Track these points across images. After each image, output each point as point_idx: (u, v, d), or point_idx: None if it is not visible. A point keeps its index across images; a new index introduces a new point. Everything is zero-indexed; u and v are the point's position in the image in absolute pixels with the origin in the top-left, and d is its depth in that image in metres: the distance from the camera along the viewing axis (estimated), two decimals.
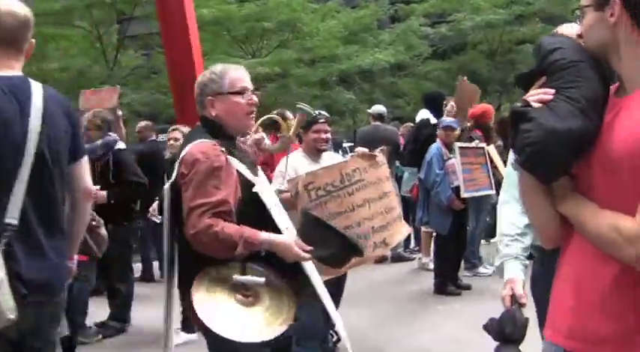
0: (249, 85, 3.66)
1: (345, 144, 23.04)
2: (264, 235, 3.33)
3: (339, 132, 23.94)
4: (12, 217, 3.10)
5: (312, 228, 3.42)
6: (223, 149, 3.46)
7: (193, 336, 6.66)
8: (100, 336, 7.61)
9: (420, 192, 9.46)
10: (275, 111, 7.83)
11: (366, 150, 6.05)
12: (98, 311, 7.78)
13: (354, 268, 5.35)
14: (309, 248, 3.33)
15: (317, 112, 6.16)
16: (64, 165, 3.39)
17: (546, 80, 2.32)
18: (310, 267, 3.55)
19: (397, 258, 11.15)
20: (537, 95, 2.27)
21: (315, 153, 6.06)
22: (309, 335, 5.80)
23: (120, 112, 7.81)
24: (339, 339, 6.59)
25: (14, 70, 3.28)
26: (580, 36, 2.45)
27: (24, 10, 3.30)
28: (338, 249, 3.39)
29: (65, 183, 3.42)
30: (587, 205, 2.27)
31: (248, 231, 3.31)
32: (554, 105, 2.23)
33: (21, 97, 3.19)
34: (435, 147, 8.95)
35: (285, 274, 3.44)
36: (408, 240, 11.60)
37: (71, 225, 3.54)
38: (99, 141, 7.35)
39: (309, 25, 28.10)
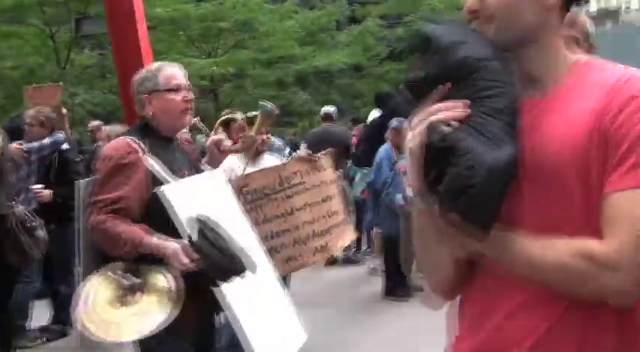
0: (185, 83, 3.60)
1: (303, 146, 22.90)
2: (151, 239, 3.21)
3: (296, 133, 23.80)
4: None
5: (201, 237, 3.15)
6: (141, 147, 3.41)
7: None
8: (43, 340, 7.45)
9: (369, 194, 9.40)
10: (225, 112, 7.73)
11: (305, 153, 5.96)
12: (42, 314, 7.62)
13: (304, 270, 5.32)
14: (196, 257, 3.13)
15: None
16: None
17: (450, 87, 1.72)
18: (229, 288, 3.27)
19: (347, 261, 11.09)
20: (449, 110, 1.68)
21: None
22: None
23: (64, 110, 7.66)
24: None
25: None
26: (473, 12, 1.83)
27: None
28: (218, 261, 3.17)
29: None
30: (526, 238, 1.72)
31: (136, 233, 3.23)
32: (479, 123, 1.67)
33: None
34: (384, 148, 8.89)
35: (191, 284, 3.25)
36: (359, 242, 11.55)
37: None
38: (47, 140, 7.23)
39: (266, 25, 27.98)
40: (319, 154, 5.94)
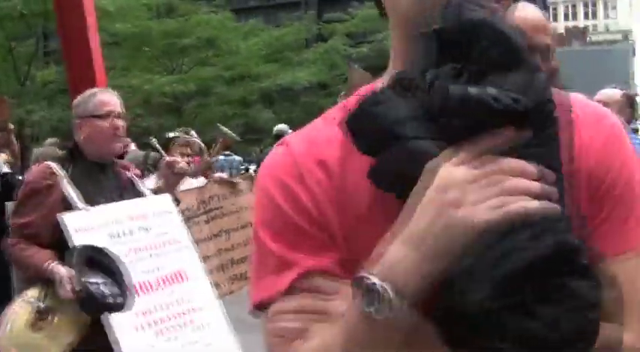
0: (117, 110, 3.54)
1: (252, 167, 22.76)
2: (49, 264, 3.14)
3: (262, 150, 23.62)
4: None
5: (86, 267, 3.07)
6: (60, 173, 3.34)
7: None
8: None
9: None
10: (178, 130, 7.53)
11: (224, 175, 5.77)
12: None
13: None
14: (77, 288, 3.04)
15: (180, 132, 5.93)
16: None
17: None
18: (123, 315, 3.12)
19: None
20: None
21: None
22: None
23: (12, 126, 7.36)
24: None
25: None
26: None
27: None
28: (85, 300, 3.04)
29: None
30: None
31: (40, 258, 3.18)
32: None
33: None
34: None
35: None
36: None
37: None
38: None
39: (230, 42, 27.91)
40: (237, 178, 5.78)
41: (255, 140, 25.36)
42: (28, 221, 3.28)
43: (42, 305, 3.13)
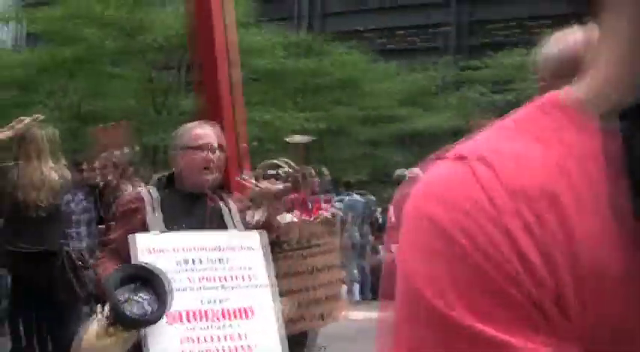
0: (211, 142, 3.77)
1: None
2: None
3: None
4: None
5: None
6: (144, 197, 3.65)
7: None
8: None
9: None
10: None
11: (328, 214, 5.79)
12: None
13: None
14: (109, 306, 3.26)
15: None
16: None
17: None
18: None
19: None
20: None
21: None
22: None
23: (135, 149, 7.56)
24: None
25: None
26: None
27: None
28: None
29: None
30: None
31: (109, 270, 3.44)
32: None
33: None
34: None
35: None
36: None
37: None
38: None
39: (366, 84, 28.05)
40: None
41: (382, 182, 25.22)
42: (112, 238, 3.69)
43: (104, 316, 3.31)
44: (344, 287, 5.66)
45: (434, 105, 29.86)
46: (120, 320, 3.17)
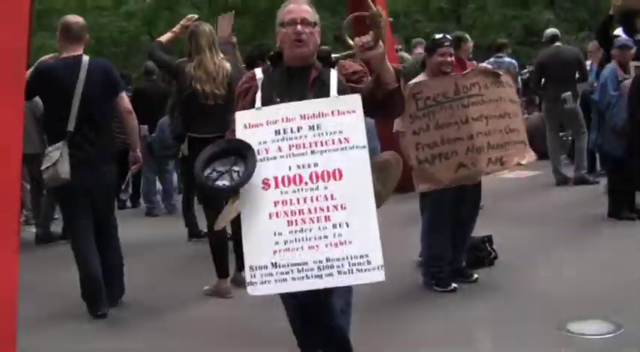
0: (300, 16, 3.81)
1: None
2: None
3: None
4: (70, 127, 5.66)
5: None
6: (256, 76, 3.87)
7: None
8: None
9: (592, 114, 9.01)
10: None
11: (488, 66, 5.92)
12: None
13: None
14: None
15: (442, 35, 6.02)
16: (104, 99, 5.86)
17: None
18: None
19: (579, 181, 10.74)
20: None
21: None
22: (436, 256, 5.91)
23: (234, 39, 7.57)
24: (495, 256, 6.56)
25: (77, 52, 5.81)
26: None
27: (81, 19, 5.99)
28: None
29: (111, 109, 6.01)
30: None
31: None
32: None
33: (76, 66, 5.73)
34: (610, 67, 8.39)
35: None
36: (593, 163, 11.18)
37: (126, 129, 6.16)
38: None
39: None
40: (501, 71, 5.95)
41: (534, 43, 24.72)
42: (231, 119, 3.77)
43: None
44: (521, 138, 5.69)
45: None
46: (206, 192, 3.61)
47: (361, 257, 3.36)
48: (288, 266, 3.38)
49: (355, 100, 3.65)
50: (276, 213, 3.45)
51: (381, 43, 3.51)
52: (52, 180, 5.66)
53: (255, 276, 3.36)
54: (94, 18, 28.62)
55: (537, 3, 29.02)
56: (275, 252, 3.40)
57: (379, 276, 3.32)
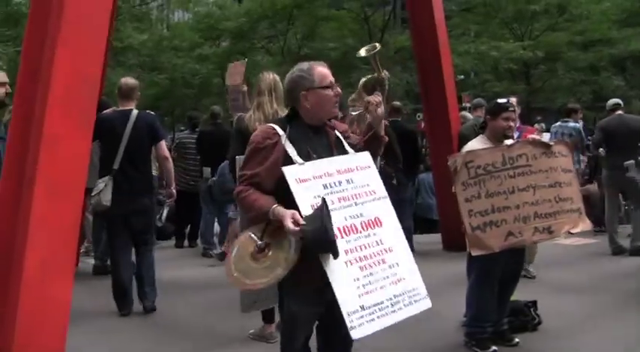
0: (333, 80, 4.10)
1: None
2: (273, 207, 3.76)
3: (596, 121, 22.88)
4: (116, 165, 6.92)
5: (317, 210, 3.64)
6: (278, 132, 3.95)
7: None
8: None
9: None
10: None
11: (537, 137, 6.01)
12: None
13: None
14: (302, 222, 3.62)
15: (507, 100, 6.13)
16: (146, 145, 7.12)
17: None
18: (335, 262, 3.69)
19: (636, 251, 10.62)
20: None
21: (499, 139, 6.01)
22: (479, 317, 5.94)
23: (245, 87, 7.81)
24: (539, 322, 6.55)
25: (128, 106, 7.14)
26: None
27: (132, 81, 7.36)
28: (315, 232, 3.59)
29: (150, 152, 7.23)
30: None
31: (265, 201, 3.82)
32: None
33: (125, 117, 7.01)
34: None
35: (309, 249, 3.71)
36: None
37: (163, 171, 7.54)
38: None
39: (581, 7, 27.17)
40: (553, 141, 5.98)
41: (602, 108, 24.59)
42: (255, 172, 3.90)
43: (261, 242, 3.80)
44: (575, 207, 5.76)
45: None
46: (325, 247, 3.61)
47: (414, 290, 3.88)
48: (371, 307, 3.69)
49: (368, 157, 4.13)
50: (350, 261, 3.73)
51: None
52: (97, 205, 7.00)
53: (352, 321, 3.59)
54: (168, 58, 29.65)
55: (607, 69, 28.79)
56: (359, 296, 3.68)
57: (428, 304, 3.87)
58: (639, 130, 10.57)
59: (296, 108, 4.10)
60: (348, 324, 3.59)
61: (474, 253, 5.58)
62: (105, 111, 7.27)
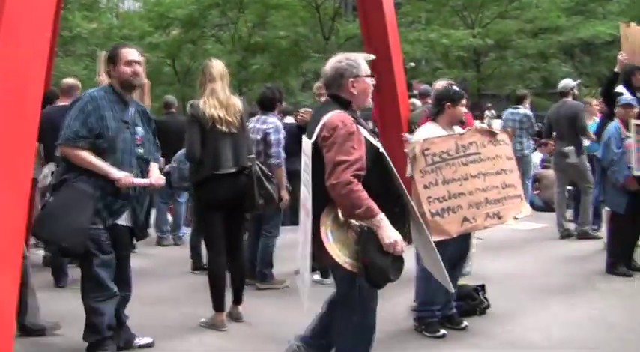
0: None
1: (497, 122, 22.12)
2: (380, 215, 3.96)
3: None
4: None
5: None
6: (353, 119, 4.16)
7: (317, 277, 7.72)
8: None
9: (596, 170, 9.12)
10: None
11: (484, 125, 6.24)
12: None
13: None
14: (400, 248, 3.98)
15: (457, 88, 6.31)
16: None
17: None
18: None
19: (583, 235, 10.81)
20: None
21: (452, 126, 6.15)
22: (427, 301, 6.07)
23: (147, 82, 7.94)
24: (487, 305, 6.66)
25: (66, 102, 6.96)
26: None
27: (72, 80, 7.80)
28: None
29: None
30: None
31: (372, 204, 3.95)
32: None
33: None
34: (613, 125, 8.52)
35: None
36: (597, 217, 11.22)
37: None
38: None
39: None
40: (498, 130, 6.29)
41: (551, 94, 24.91)
42: (357, 157, 4.00)
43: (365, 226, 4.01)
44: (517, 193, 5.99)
45: (603, 13, 28.72)
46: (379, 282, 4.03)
47: None
48: None
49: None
50: None
51: None
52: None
53: None
54: None
55: (556, 56, 29.14)
56: None
57: None
58: (575, 116, 10.73)
59: (337, 95, 4.30)
60: None
61: (434, 239, 5.66)
62: (45, 109, 6.96)
